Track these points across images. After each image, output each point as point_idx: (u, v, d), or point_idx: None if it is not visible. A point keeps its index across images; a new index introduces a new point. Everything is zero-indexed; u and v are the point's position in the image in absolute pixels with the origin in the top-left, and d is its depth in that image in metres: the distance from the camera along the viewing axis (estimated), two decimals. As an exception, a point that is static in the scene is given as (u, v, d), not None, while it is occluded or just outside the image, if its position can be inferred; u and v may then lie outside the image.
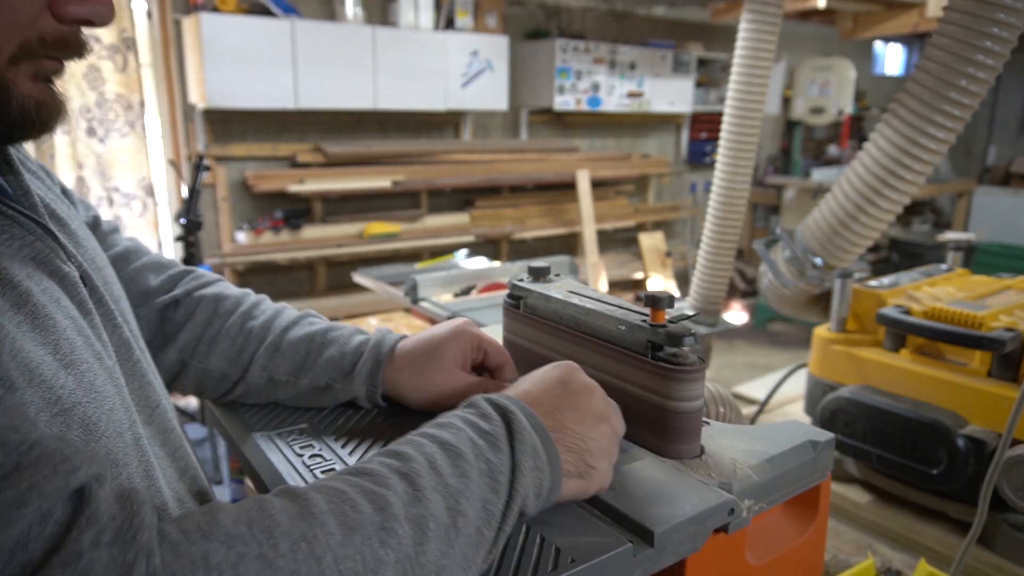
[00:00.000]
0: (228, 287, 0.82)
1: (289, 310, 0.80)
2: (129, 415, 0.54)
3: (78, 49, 0.50)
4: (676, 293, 4.44)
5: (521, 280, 0.79)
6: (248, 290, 0.83)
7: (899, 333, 1.31)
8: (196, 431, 3.36)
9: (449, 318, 1.33)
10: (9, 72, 0.47)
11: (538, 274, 0.79)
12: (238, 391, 0.76)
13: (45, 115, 0.50)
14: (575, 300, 0.72)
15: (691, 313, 0.65)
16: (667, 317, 0.62)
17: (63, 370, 0.47)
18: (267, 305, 0.81)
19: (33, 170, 0.64)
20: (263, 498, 0.42)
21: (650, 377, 0.63)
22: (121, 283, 0.69)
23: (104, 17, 0.49)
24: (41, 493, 0.35)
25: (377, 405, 0.74)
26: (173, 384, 0.78)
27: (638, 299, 0.71)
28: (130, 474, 0.51)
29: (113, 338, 0.57)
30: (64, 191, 0.71)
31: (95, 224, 0.77)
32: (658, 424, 0.63)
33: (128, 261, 0.78)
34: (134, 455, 0.52)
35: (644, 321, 0.63)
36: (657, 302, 0.61)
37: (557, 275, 0.81)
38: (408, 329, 2.72)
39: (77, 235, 0.62)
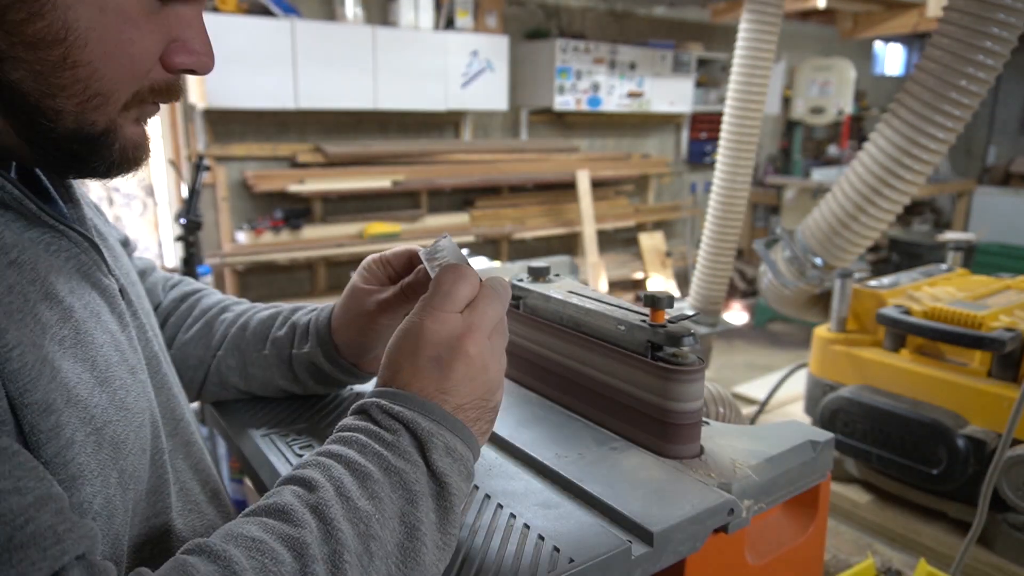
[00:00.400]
0: (213, 292, 0.87)
1: (264, 304, 0.84)
2: (155, 429, 0.56)
3: (177, 93, 0.54)
4: (676, 293, 4.43)
5: (521, 280, 0.79)
6: (233, 296, 0.87)
7: (899, 333, 1.31)
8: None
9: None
10: (120, 118, 0.50)
11: (538, 274, 0.79)
12: (212, 380, 0.78)
13: (139, 156, 0.54)
14: (575, 300, 0.72)
15: (691, 313, 0.65)
16: (667, 317, 0.62)
17: (98, 387, 0.49)
18: (246, 304, 0.85)
19: (81, 193, 0.67)
20: (184, 560, 0.42)
21: (650, 377, 0.63)
22: None
23: (207, 67, 0.53)
24: None
25: (342, 367, 0.74)
26: None
27: (638, 299, 0.71)
28: (143, 490, 0.54)
29: (146, 352, 0.60)
30: (97, 209, 0.74)
31: (125, 242, 0.80)
32: (658, 424, 0.63)
33: (144, 278, 0.82)
34: (152, 471, 0.55)
35: (644, 321, 0.63)
36: (657, 302, 0.61)
37: (557, 275, 0.81)
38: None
39: (115, 250, 0.65)
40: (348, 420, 0.53)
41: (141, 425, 0.53)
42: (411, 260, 0.72)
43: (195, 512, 0.62)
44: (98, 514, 0.47)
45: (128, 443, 0.50)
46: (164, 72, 0.51)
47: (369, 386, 0.81)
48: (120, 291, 0.58)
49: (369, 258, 0.74)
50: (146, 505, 0.55)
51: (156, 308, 0.81)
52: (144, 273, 0.82)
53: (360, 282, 0.72)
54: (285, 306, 0.82)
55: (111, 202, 3.57)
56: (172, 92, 0.53)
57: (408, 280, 0.70)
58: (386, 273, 0.73)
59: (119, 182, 3.58)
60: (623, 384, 0.66)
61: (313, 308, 0.79)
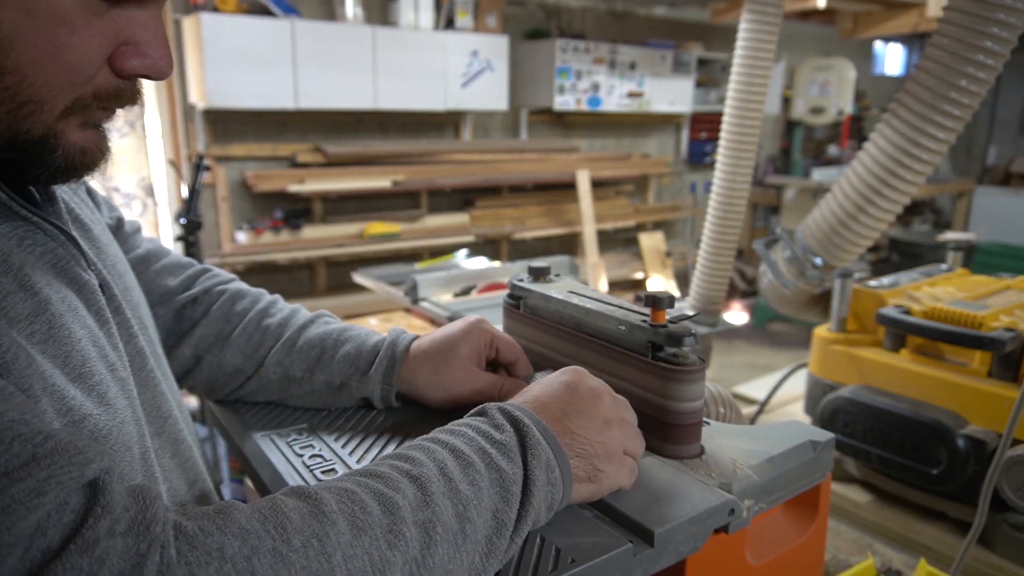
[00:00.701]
0: (244, 286, 0.83)
1: (304, 310, 0.81)
2: (139, 427, 0.54)
3: (132, 98, 0.51)
4: (676, 293, 4.44)
5: (521, 280, 0.79)
6: (263, 290, 0.83)
7: (899, 333, 1.30)
8: (196, 431, 3.36)
9: (450, 318, 1.33)
10: (59, 124, 0.47)
11: (538, 274, 0.79)
12: (249, 387, 0.76)
13: (89, 161, 0.51)
14: (575, 300, 0.71)
15: (691, 313, 0.65)
16: (667, 317, 0.62)
17: (71, 384, 0.47)
18: (283, 304, 0.81)
19: None
20: (275, 496, 0.43)
21: (650, 377, 0.63)
22: (142, 285, 0.70)
23: (163, 72, 0.50)
24: (59, 483, 0.36)
25: (390, 405, 0.74)
26: (185, 379, 0.78)
27: (638, 299, 0.71)
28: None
29: (128, 347, 0.58)
30: (89, 191, 0.71)
31: (118, 226, 0.77)
32: (658, 424, 0.63)
33: (149, 263, 0.79)
34: (140, 469, 0.53)
35: (644, 321, 0.63)
36: (657, 302, 0.61)
37: (557, 275, 0.81)
38: (409, 329, 2.71)
39: (99, 241, 0.62)
40: (464, 418, 0.55)
41: (123, 422, 0.51)
42: (517, 358, 0.75)
43: (181, 514, 0.61)
44: None
45: (110, 438, 0.49)
46: (113, 77, 0.48)
47: None
48: (101, 285, 0.56)
49: (480, 327, 0.73)
50: None
51: (165, 296, 0.78)
52: (149, 259, 0.79)
53: (464, 349, 0.71)
54: (328, 320, 0.78)
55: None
56: (123, 98, 0.50)
57: (509, 381, 0.73)
58: (488, 355, 0.74)
59: (119, 182, 3.58)
60: (624, 384, 0.66)
61: (370, 332, 0.76)
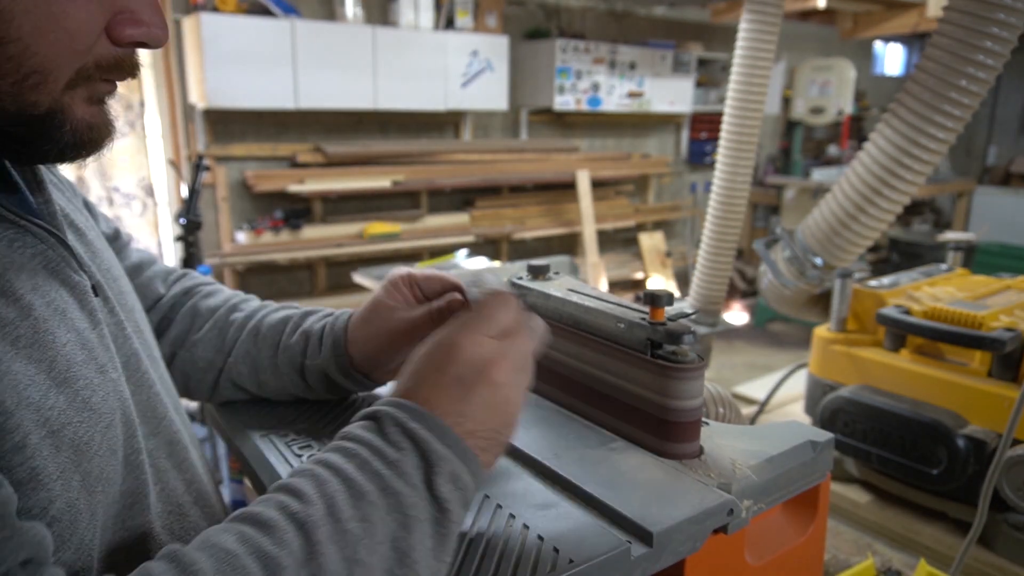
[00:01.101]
0: (221, 287, 0.85)
1: (273, 304, 0.82)
2: (129, 429, 0.54)
3: (131, 70, 0.51)
4: (676, 293, 4.43)
5: (520, 278, 0.79)
6: (239, 291, 0.85)
7: (899, 333, 1.30)
8: (196, 431, 3.36)
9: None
10: (65, 97, 0.47)
11: (537, 272, 0.79)
12: (224, 384, 0.77)
13: (96, 137, 0.51)
14: (574, 298, 0.71)
15: (690, 311, 0.65)
16: (666, 315, 0.62)
17: (56, 388, 0.47)
18: (256, 302, 0.83)
19: (56, 182, 0.65)
20: (149, 568, 0.41)
21: (649, 375, 0.62)
22: (137, 292, 0.70)
23: (159, 39, 0.50)
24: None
25: (354, 379, 0.74)
26: None
27: (638, 299, 0.70)
28: (115, 493, 0.51)
29: (122, 349, 0.58)
30: (86, 204, 0.72)
31: (114, 236, 0.78)
32: (657, 423, 0.63)
33: (141, 271, 0.80)
34: (127, 472, 0.53)
35: (643, 319, 0.63)
36: (656, 299, 0.61)
37: (556, 273, 0.81)
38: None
39: (94, 245, 0.62)
40: (355, 428, 0.50)
41: (109, 425, 0.51)
42: (444, 287, 0.72)
43: (176, 515, 0.60)
44: (58, 518, 0.45)
45: (93, 444, 0.48)
46: (111, 46, 0.48)
47: (382, 390, 0.80)
48: (94, 288, 0.56)
49: (396, 274, 0.73)
50: (121, 508, 0.53)
51: (156, 302, 0.79)
52: (141, 267, 0.80)
53: (385, 297, 0.71)
54: (296, 308, 0.80)
55: (111, 202, 3.57)
56: (123, 68, 0.50)
57: (439, 304, 0.70)
58: (413, 293, 0.72)
59: (119, 182, 3.58)
60: (623, 382, 0.66)
61: (326, 313, 0.77)
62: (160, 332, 0.78)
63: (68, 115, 0.48)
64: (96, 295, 0.56)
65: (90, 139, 0.50)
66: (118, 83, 0.51)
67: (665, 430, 0.62)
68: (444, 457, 0.48)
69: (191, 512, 0.61)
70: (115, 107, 0.54)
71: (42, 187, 0.56)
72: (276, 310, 0.80)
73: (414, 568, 0.45)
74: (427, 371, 0.52)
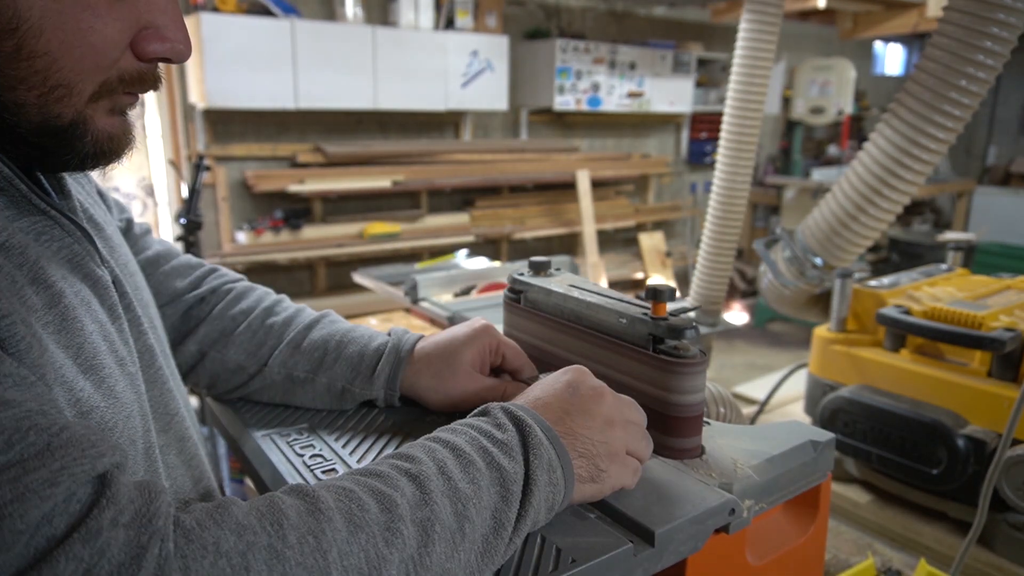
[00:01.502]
0: (252, 284, 0.84)
1: (309, 310, 0.81)
2: (145, 422, 0.55)
3: (154, 83, 0.52)
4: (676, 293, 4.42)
5: (522, 274, 0.79)
6: (269, 289, 0.84)
7: (899, 333, 1.31)
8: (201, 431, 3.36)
9: (449, 318, 1.33)
10: (88, 109, 0.49)
11: (538, 268, 0.79)
12: (253, 386, 0.76)
13: (116, 147, 0.52)
14: (576, 294, 0.71)
15: (691, 306, 0.65)
16: (668, 310, 0.62)
17: (82, 375, 0.48)
18: (289, 303, 0.81)
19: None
20: (273, 494, 0.44)
21: (651, 370, 0.63)
22: (151, 287, 0.71)
23: (182, 55, 0.51)
24: (71, 474, 0.37)
25: (392, 406, 0.74)
26: (189, 376, 0.79)
27: (639, 299, 0.71)
28: None
29: (138, 344, 0.59)
30: (100, 192, 0.72)
31: (128, 228, 0.78)
32: (659, 418, 0.63)
33: (159, 264, 0.79)
34: (144, 463, 0.53)
35: (645, 314, 0.63)
36: (658, 295, 0.61)
37: (557, 269, 0.81)
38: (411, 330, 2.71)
39: (112, 240, 0.63)
40: (467, 418, 0.55)
41: (130, 416, 0.52)
42: (523, 364, 0.74)
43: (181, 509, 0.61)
44: None
45: (117, 430, 0.50)
46: (135, 61, 0.49)
47: None
48: (113, 282, 0.57)
49: (487, 335, 0.72)
50: None
51: (176, 298, 0.78)
52: (159, 260, 0.79)
53: (467, 355, 0.71)
54: (336, 321, 0.78)
55: (111, 202, 3.58)
56: (146, 82, 0.51)
57: (512, 384, 0.72)
58: (493, 362, 0.74)
59: (119, 182, 3.58)
60: (625, 377, 0.66)
61: (371, 336, 0.74)
62: (188, 330, 0.77)
63: (90, 126, 0.49)
64: (116, 289, 0.57)
65: (110, 149, 0.52)
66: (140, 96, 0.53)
67: (667, 424, 0.62)
68: (544, 444, 0.51)
69: None
70: (134, 116, 0.55)
71: (63, 188, 0.58)
72: (316, 323, 0.77)
73: (503, 540, 0.48)
74: (542, 383, 0.58)
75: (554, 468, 0.51)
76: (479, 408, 0.56)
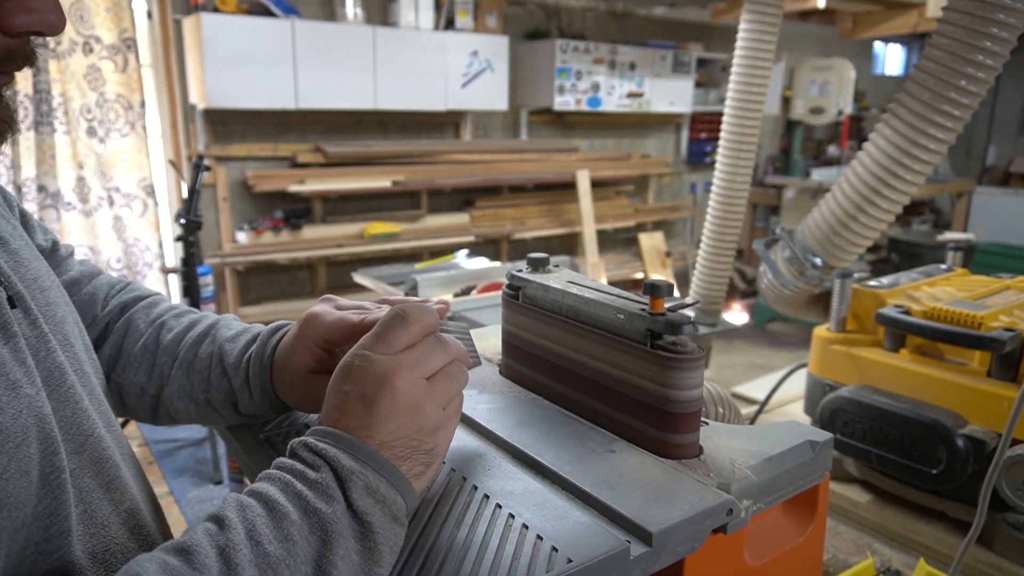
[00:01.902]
0: (158, 298, 0.80)
1: (206, 320, 0.77)
2: (49, 446, 0.51)
3: (27, 60, 0.49)
4: (676, 293, 4.43)
5: (520, 271, 0.79)
6: (176, 303, 0.80)
7: (899, 333, 1.30)
8: (196, 431, 3.37)
9: (450, 318, 1.33)
10: None
11: (537, 264, 0.79)
12: (162, 415, 0.74)
13: None
14: (574, 290, 0.71)
15: (690, 302, 0.65)
16: (666, 305, 0.62)
17: None
18: (186, 318, 0.78)
19: None
20: None
21: (649, 366, 0.62)
22: (77, 308, 0.67)
23: (54, 26, 0.48)
24: None
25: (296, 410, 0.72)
26: (114, 401, 0.75)
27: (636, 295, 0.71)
28: (26, 516, 0.49)
29: (45, 363, 0.55)
30: (22, 212, 0.70)
31: (53, 248, 0.75)
32: (657, 414, 0.63)
33: (80, 286, 0.77)
34: (43, 494, 0.50)
35: (643, 310, 0.63)
36: (656, 290, 0.61)
37: (556, 266, 0.81)
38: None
39: (19, 254, 0.60)
40: (282, 458, 0.51)
41: (20, 445, 0.48)
42: (347, 332, 0.67)
43: (100, 536, 0.56)
44: None
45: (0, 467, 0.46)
46: (2, 37, 0.46)
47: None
48: (12, 299, 0.53)
49: (309, 339, 0.67)
50: (35, 530, 0.49)
51: (96, 319, 0.76)
52: (80, 281, 0.76)
53: (305, 371, 0.67)
54: (224, 328, 0.74)
55: (111, 202, 3.57)
56: (17, 58, 0.48)
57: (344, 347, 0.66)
58: (320, 346, 0.68)
59: (120, 182, 3.58)
60: (622, 373, 0.66)
61: (248, 341, 0.71)
62: (96, 349, 0.73)
63: None
64: (14, 307, 0.53)
65: None
66: (15, 74, 0.50)
67: (665, 421, 0.62)
68: (355, 471, 0.49)
69: (118, 534, 0.58)
70: (16, 99, 0.52)
71: None
72: (204, 336, 0.74)
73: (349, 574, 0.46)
74: (332, 395, 0.53)
75: (375, 488, 0.49)
76: (291, 445, 0.52)
